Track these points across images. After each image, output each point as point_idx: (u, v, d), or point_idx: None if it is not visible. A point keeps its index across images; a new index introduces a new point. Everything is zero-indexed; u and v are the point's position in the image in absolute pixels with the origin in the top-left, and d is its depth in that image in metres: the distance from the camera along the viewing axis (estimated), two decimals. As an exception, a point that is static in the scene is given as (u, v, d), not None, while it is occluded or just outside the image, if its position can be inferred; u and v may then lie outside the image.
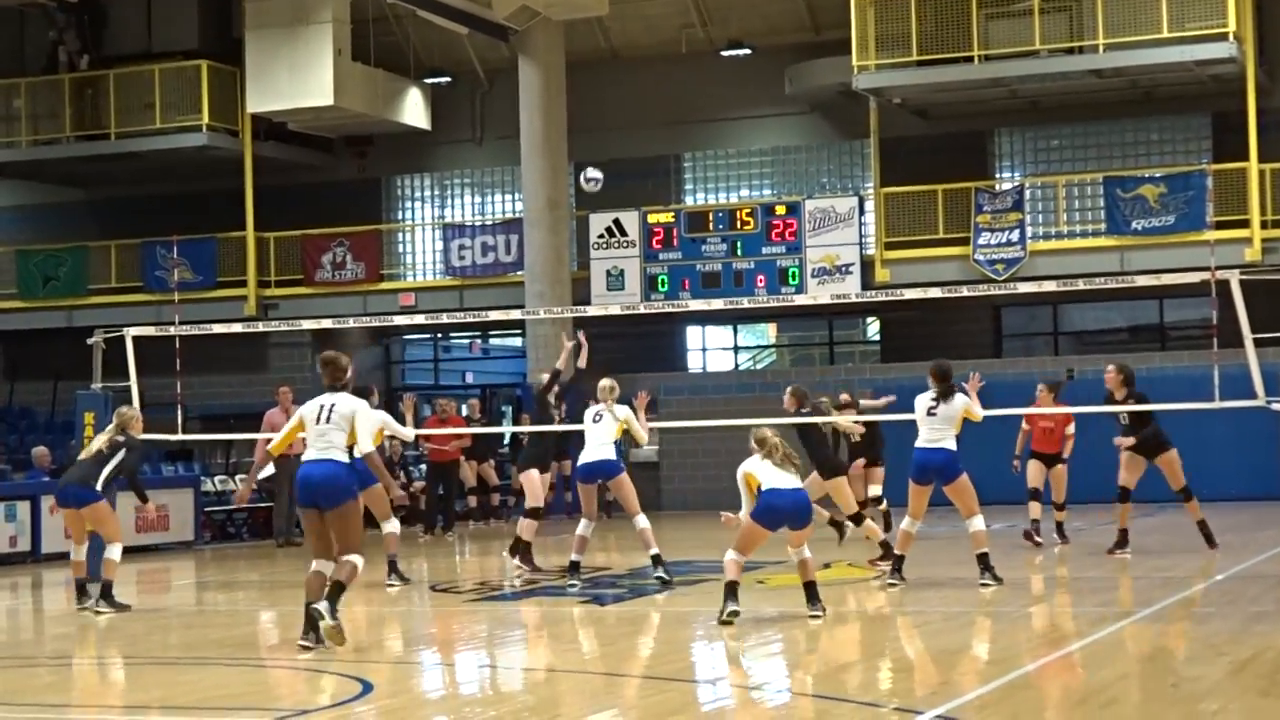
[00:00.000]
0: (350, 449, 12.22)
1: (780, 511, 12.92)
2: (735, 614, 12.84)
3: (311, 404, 12.38)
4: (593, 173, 19.42)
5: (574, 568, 16.50)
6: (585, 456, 16.43)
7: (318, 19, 30.10)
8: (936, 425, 15.13)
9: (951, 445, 15.08)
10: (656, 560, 16.29)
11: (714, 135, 32.99)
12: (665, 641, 12.94)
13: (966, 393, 15.43)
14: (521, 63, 30.53)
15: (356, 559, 12.11)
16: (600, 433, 16.43)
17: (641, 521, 16.38)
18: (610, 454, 16.46)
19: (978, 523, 15.14)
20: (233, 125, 32.19)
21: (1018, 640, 12.17)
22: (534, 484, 17.75)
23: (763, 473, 12.94)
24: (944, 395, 15.24)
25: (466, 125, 34.10)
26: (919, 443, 15.17)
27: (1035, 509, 19.61)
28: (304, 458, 12.29)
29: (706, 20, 32.46)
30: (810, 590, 13.12)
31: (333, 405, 12.23)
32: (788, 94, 31.57)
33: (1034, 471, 19.68)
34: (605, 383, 16.74)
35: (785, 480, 12.92)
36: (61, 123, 32.93)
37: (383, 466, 12.69)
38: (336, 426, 12.14)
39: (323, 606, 11.86)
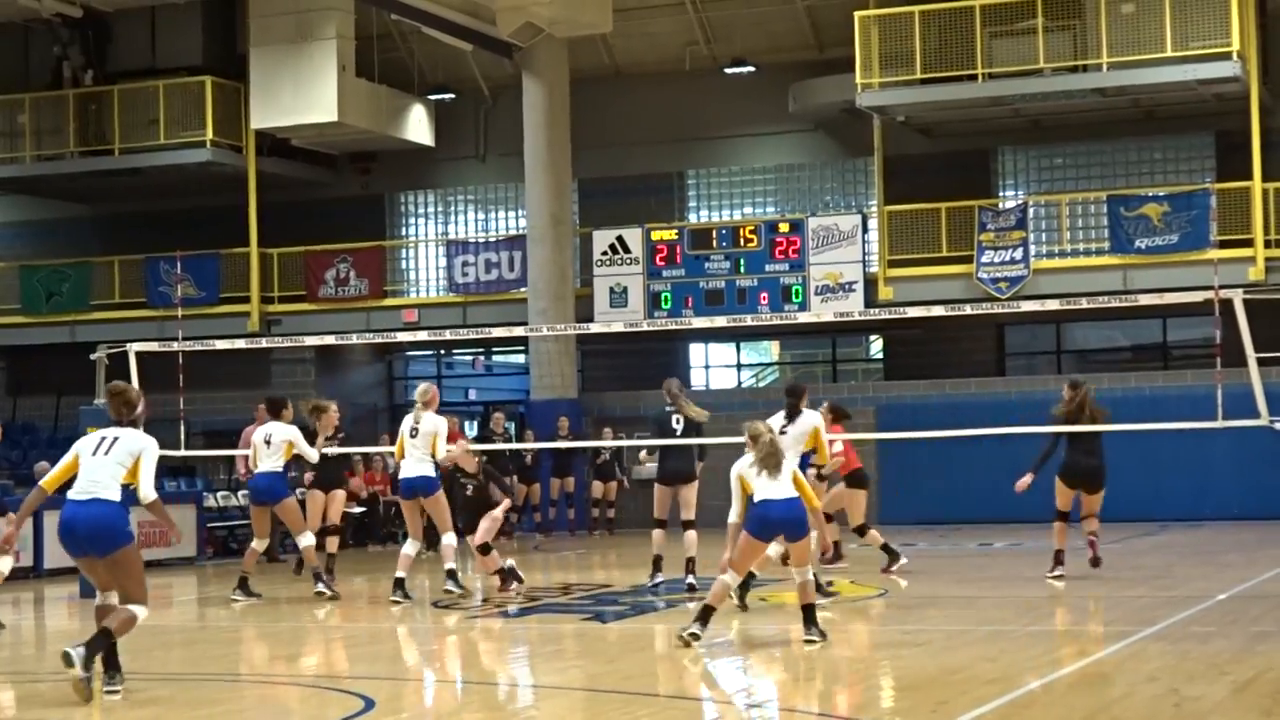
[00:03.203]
0: (127, 489, 10.95)
1: (772, 523, 12.65)
2: (696, 637, 12.65)
3: (90, 437, 11.19)
4: None
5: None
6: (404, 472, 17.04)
7: (322, 35, 30.16)
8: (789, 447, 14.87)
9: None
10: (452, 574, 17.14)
11: (717, 152, 33.01)
12: (666, 659, 12.92)
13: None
14: (525, 80, 30.57)
15: (138, 610, 10.91)
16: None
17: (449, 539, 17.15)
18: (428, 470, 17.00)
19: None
20: (236, 141, 32.21)
21: (1020, 659, 12.15)
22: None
23: (754, 479, 12.71)
24: (791, 415, 15.21)
25: (470, 142, 34.12)
26: None
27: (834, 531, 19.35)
28: (69, 496, 10.98)
29: (710, 38, 32.49)
30: (808, 614, 12.77)
31: (115, 439, 11.06)
32: (791, 111, 31.58)
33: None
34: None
35: (776, 489, 12.65)
36: (65, 138, 32.95)
37: (165, 513, 11.22)
38: (117, 462, 10.95)
39: (76, 654, 10.55)
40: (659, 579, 17.43)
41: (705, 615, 12.83)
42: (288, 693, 11.74)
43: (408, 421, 17.08)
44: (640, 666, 12.63)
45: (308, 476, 19.60)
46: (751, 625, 14.70)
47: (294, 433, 17.85)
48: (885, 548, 18.53)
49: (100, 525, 10.82)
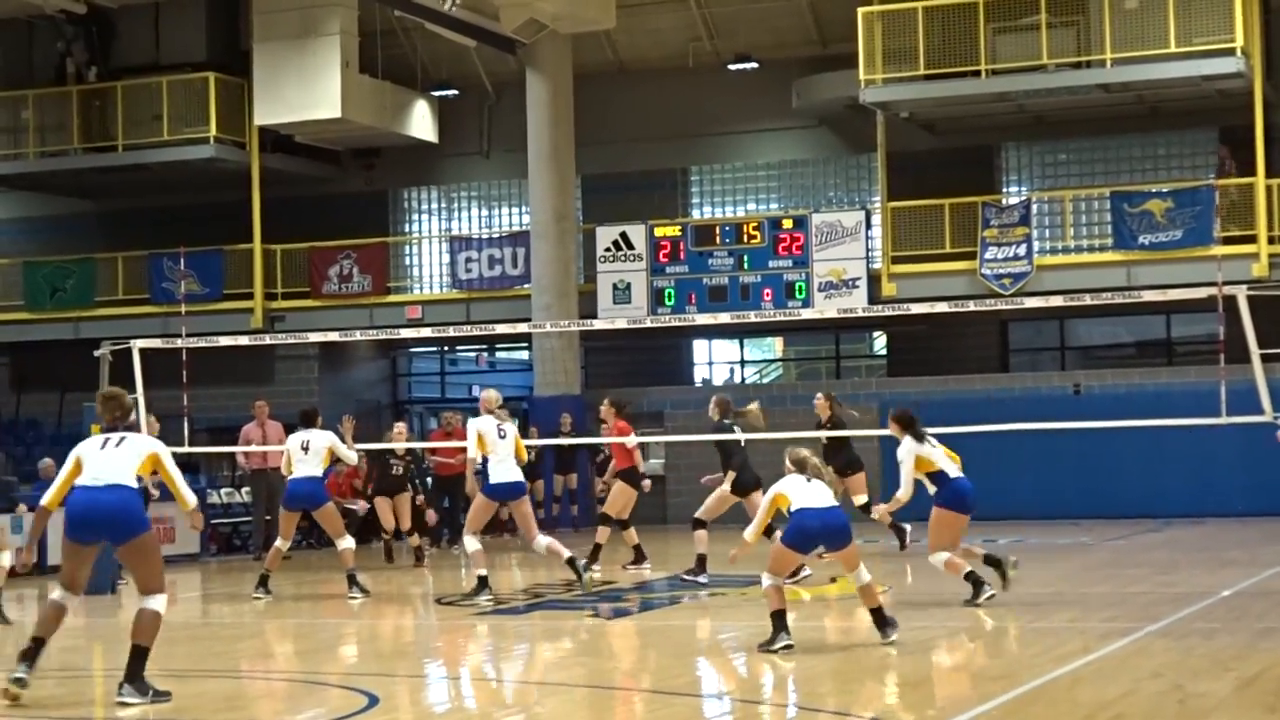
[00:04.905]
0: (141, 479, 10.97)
1: (811, 532, 12.38)
2: (789, 648, 12.26)
3: (93, 440, 11.24)
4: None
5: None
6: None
7: (325, 31, 30.16)
8: None
9: None
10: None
11: (721, 148, 33.00)
12: (672, 656, 12.92)
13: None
14: (529, 76, 30.56)
15: (158, 604, 11.25)
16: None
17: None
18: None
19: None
20: (240, 137, 32.20)
21: (1023, 655, 12.15)
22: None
23: (795, 492, 12.41)
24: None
25: (474, 138, 34.11)
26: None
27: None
28: (83, 484, 11.05)
29: (714, 34, 32.47)
30: (876, 617, 12.55)
31: (121, 439, 11.09)
32: (795, 107, 31.57)
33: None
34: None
35: (817, 498, 12.38)
36: (69, 134, 32.94)
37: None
38: (134, 453, 11.02)
39: (129, 691, 10.68)
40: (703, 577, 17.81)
41: (779, 622, 12.36)
42: (291, 689, 11.75)
43: (489, 424, 16.85)
44: (643, 663, 12.63)
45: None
46: (756, 622, 14.69)
47: (331, 438, 18.05)
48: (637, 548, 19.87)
49: (122, 510, 10.97)
